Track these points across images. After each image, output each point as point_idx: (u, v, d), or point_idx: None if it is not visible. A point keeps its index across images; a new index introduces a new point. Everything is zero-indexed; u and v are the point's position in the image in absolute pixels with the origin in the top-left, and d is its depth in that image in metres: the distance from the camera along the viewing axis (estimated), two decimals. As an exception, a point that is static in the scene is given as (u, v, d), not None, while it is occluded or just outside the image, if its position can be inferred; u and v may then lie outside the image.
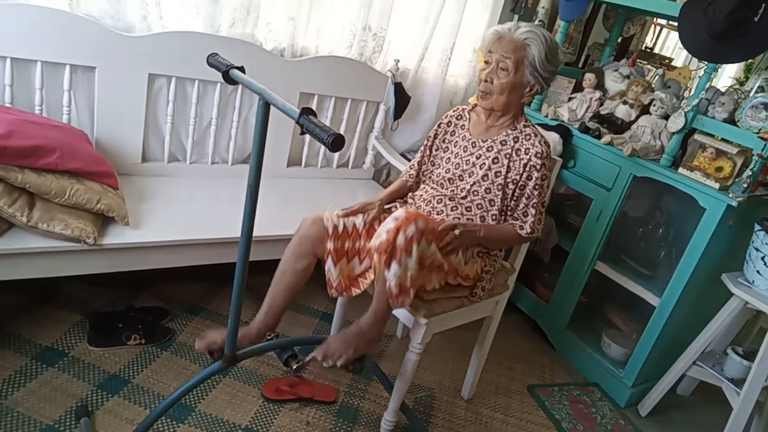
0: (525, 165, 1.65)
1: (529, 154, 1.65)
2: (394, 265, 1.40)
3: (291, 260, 1.66)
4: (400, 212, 1.44)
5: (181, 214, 1.97)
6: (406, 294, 1.44)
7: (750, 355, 2.09)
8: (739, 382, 2.08)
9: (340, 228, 1.66)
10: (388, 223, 1.42)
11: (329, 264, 1.64)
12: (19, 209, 1.54)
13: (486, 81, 1.64)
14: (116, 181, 1.86)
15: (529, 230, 1.68)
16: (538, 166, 1.64)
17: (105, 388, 1.72)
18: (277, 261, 1.69)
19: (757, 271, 1.99)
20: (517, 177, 1.67)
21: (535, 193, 1.67)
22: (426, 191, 1.79)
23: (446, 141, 1.82)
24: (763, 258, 1.96)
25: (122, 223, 1.75)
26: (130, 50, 1.96)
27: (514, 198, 1.69)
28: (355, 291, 1.65)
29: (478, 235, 1.62)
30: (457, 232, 1.55)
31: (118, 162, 2.05)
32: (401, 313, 1.71)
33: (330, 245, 1.64)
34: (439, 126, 1.85)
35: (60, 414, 1.59)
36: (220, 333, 1.53)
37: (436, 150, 1.85)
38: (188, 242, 1.85)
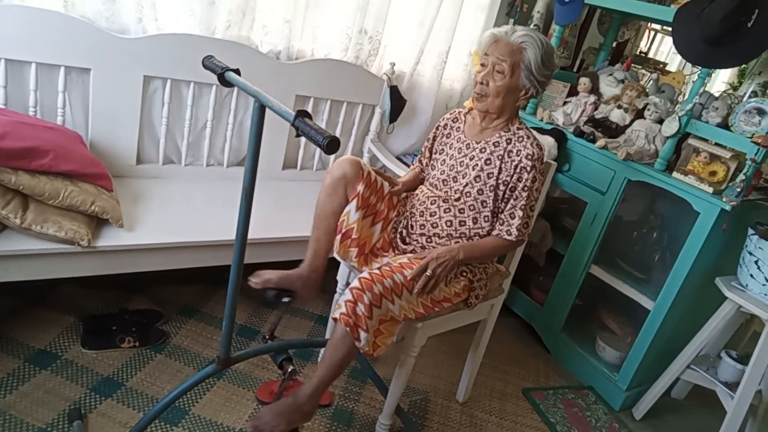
0: (516, 166, 1.65)
1: (521, 155, 1.65)
2: (362, 334, 1.41)
3: (327, 202, 1.68)
4: (356, 282, 1.45)
5: (176, 216, 1.97)
6: (379, 349, 1.47)
7: (744, 359, 2.09)
8: (732, 386, 2.08)
9: (372, 178, 1.69)
10: (346, 295, 1.44)
11: (351, 206, 1.65)
12: (12, 211, 1.53)
13: (482, 83, 1.64)
14: (111, 183, 1.85)
15: (516, 233, 1.66)
16: (528, 168, 1.64)
17: (98, 390, 1.71)
18: (272, 263, 1.69)
19: (751, 275, 2.00)
20: (508, 178, 1.66)
21: (524, 194, 1.65)
22: (422, 192, 1.80)
23: (443, 144, 1.83)
24: (756, 262, 1.97)
25: (116, 225, 1.74)
26: (125, 52, 1.96)
27: (505, 199, 1.69)
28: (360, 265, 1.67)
29: (457, 259, 1.60)
30: (429, 272, 1.53)
31: (112, 164, 2.05)
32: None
33: (361, 188, 1.65)
34: (436, 129, 1.86)
35: (53, 417, 1.58)
36: (273, 272, 1.62)
37: (434, 153, 1.85)
38: (183, 245, 1.85)
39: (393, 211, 1.77)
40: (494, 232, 1.69)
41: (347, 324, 1.40)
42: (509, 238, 1.67)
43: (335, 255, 1.73)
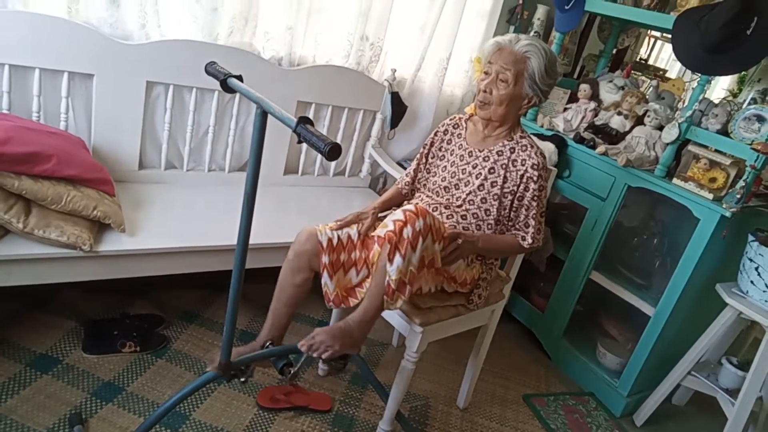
0: (522, 176, 1.66)
1: (526, 165, 1.66)
2: (397, 257, 1.41)
3: (289, 276, 1.68)
4: (410, 206, 1.45)
5: (178, 221, 1.97)
6: (403, 291, 1.45)
7: (744, 366, 2.09)
8: (733, 393, 2.08)
9: (335, 240, 1.66)
10: (397, 215, 1.44)
11: (325, 278, 1.64)
12: (15, 215, 1.54)
13: (485, 91, 1.65)
14: (113, 187, 1.86)
15: (530, 241, 1.70)
16: (534, 178, 1.66)
17: (99, 395, 1.72)
18: (273, 269, 1.69)
19: (751, 282, 2.00)
20: (514, 188, 1.68)
21: (534, 204, 1.68)
22: (421, 199, 1.80)
23: (443, 149, 1.83)
24: (756, 268, 1.97)
25: (118, 229, 1.75)
26: (129, 58, 1.97)
27: (513, 209, 1.70)
28: (353, 301, 1.65)
29: (476, 245, 1.63)
30: (459, 241, 1.56)
31: (115, 169, 2.06)
32: (397, 322, 1.71)
33: (325, 259, 1.64)
34: (435, 134, 1.86)
35: (54, 421, 1.58)
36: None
37: (432, 158, 1.86)
38: (184, 249, 1.85)
39: (374, 244, 1.70)
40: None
41: (390, 241, 1.40)
42: (524, 243, 1.70)
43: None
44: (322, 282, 1.65)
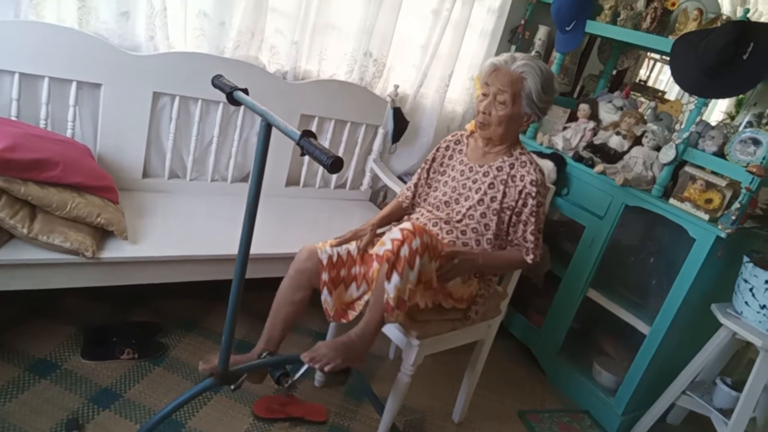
0: (520, 192, 1.69)
1: (524, 181, 1.69)
2: (395, 276, 1.43)
3: (288, 293, 1.69)
4: (407, 224, 1.47)
5: (180, 230, 2.00)
6: (402, 308, 1.47)
7: (738, 386, 2.10)
8: (727, 413, 2.09)
9: (335, 257, 1.69)
10: (395, 233, 1.46)
11: (325, 294, 1.67)
12: (20, 221, 1.56)
13: (484, 113, 1.68)
14: (117, 195, 1.89)
15: (532, 256, 1.72)
16: (533, 194, 1.68)
17: (96, 401, 1.73)
18: (273, 279, 1.71)
19: (746, 302, 2.02)
20: (513, 203, 1.70)
21: (532, 219, 1.71)
22: (422, 214, 1.82)
23: (444, 165, 1.86)
24: (751, 289, 1.99)
25: (121, 237, 1.77)
26: (136, 69, 2.01)
27: (512, 224, 1.73)
28: (352, 314, 1.67)
29: (477, 263, 1.65)
30: (456, 261, 1.57)
31: (119, 177, 2.08)
32: (394, 334, 1.73)
33: (325, 276, 1.66)
34: (437, 150, 1.89)
35: (51, 426, 1.59)
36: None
37: (433, 173, 1.88)
38: (185, 258, 1.87)
39: (373, 261, 1.73)
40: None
41: (388, 260, 1.42)
42: (527, 259, 1.73)
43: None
44: (322, 298, 1.67)
